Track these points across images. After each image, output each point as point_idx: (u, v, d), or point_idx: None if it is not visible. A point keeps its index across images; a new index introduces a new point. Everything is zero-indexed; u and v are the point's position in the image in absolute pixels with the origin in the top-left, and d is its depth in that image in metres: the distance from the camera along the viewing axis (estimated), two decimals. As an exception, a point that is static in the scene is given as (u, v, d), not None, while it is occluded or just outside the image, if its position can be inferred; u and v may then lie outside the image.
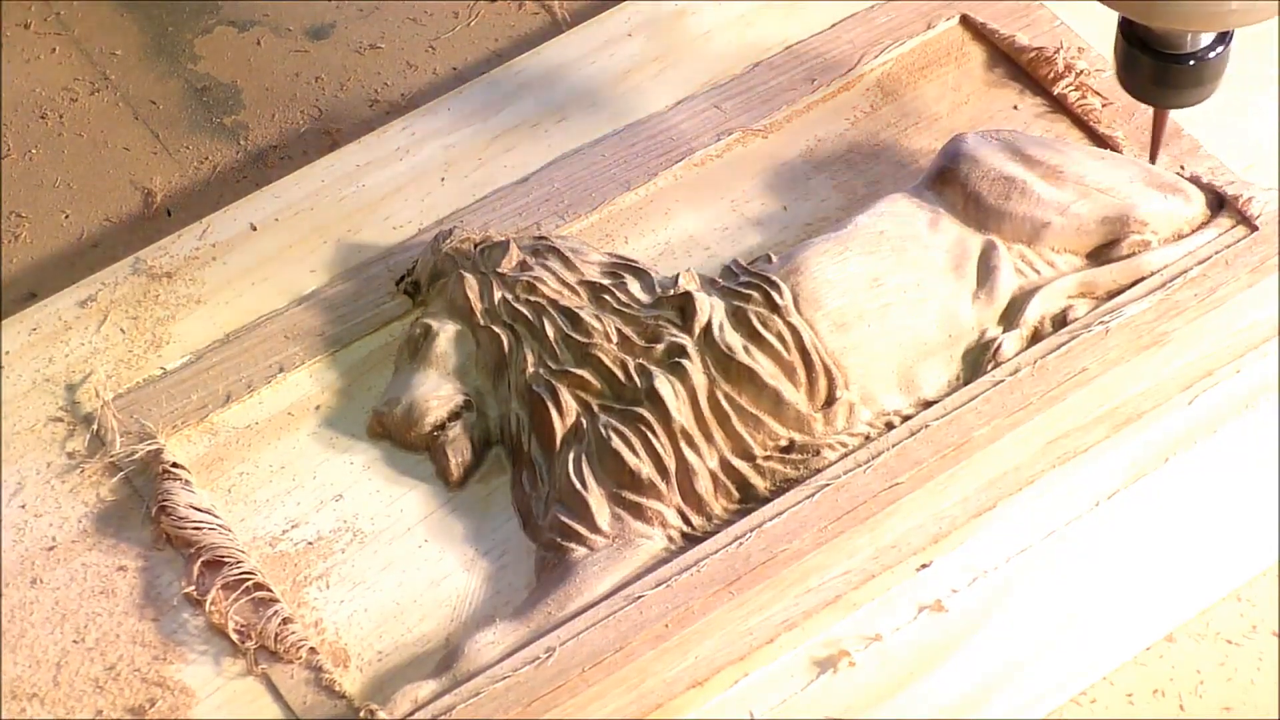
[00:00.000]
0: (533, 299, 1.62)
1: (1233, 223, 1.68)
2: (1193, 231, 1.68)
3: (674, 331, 1.59)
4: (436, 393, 1.60)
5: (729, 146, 1.78)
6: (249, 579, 1.53)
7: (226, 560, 1.54)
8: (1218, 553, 1.53)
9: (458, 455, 1.59)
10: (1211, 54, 1.57)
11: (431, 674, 1.49)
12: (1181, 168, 1.72)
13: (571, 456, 1.56)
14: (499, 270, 1.64)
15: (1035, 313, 1.63)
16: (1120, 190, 1.68)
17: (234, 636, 1.51)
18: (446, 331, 1.63)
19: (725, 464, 1.56)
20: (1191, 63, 1.57)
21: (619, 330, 1.60)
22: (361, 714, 1.46)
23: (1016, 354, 1.61)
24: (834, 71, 1.81)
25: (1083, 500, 1.55)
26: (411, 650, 1.51)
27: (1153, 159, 1.71)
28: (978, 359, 1.62)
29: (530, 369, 1.59)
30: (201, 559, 1.54)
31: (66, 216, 1.82)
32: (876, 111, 1.80)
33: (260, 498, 1.59)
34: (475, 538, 1.56)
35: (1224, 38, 1.57)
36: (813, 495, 1.54)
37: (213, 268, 1.72)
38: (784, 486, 1.55)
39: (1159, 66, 1.58)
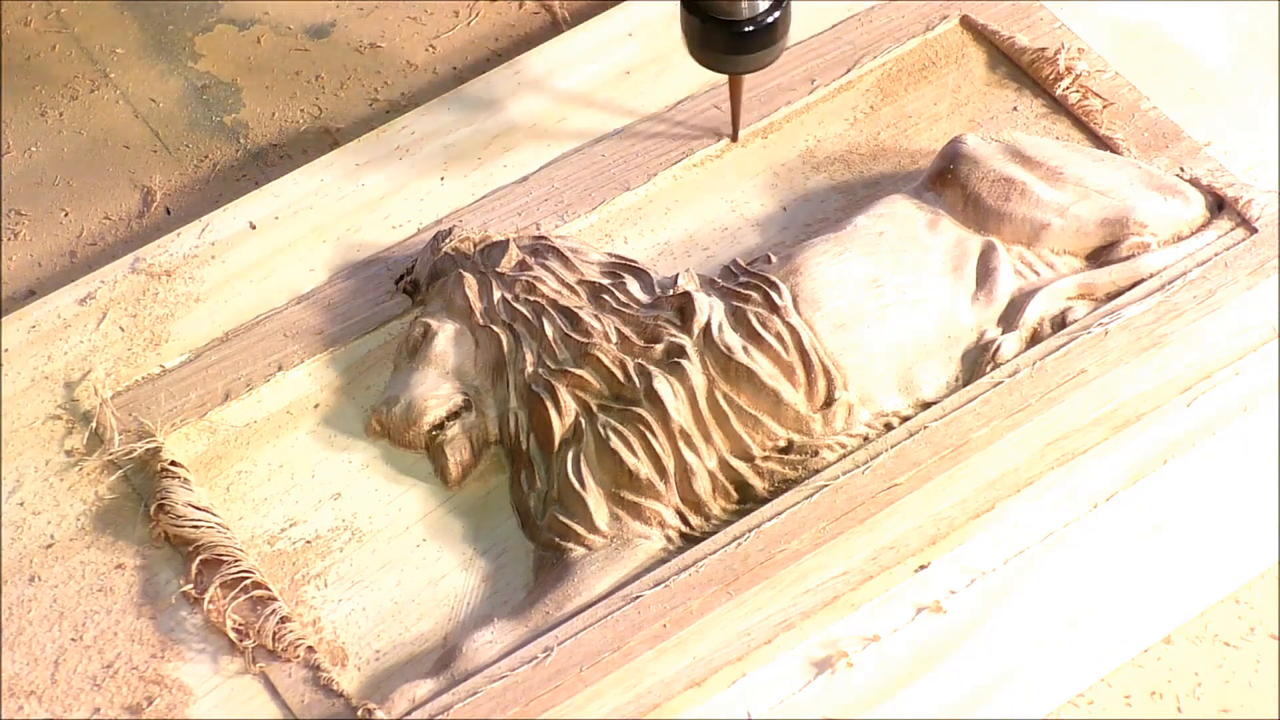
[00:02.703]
0: (532, 299, 1.62)
1: (1232, 225, 1.68)
2: (1192, 234, 1.68)
3: (673, 331, 1.59)
4: (435, 392, 1.60)
5: (729, 147, 1.78)
6: (247, 577, 1.53)
7: (225, 558, 1.54)
8: (1216, 555, 1.53)
9: (456, 455, 1.59)
10: (770, 18, 1.64)
11: (429, 673, 1.49)
12: (1181, 169, 1.72)
13: (570, 456, 1.56)
14: (498, 270, 1.64)
15: (1034, 314, 1.63)
16: (1120, 192, 1.68)
17: (232, 635, 1.51)
18: (445, 331, 1.63)
19: (724, 464, 1.56)
20: (752, 29, 1.65)
21: (618, 330, 1.60)
22: (359, 713, 1.46)
23: (1015, 355, 1.61)
24: (834, 72, 1.81)
25: (1081, 502, 1.55)
26: (409, 649, 1.51)
27: (735, 133, 1.76)
28: (977, 360, 1.62)
29: (529, 369, 1.59)
30: (200, 557, 1.54)
31: (66, 214, 1.82)
32: (876, 112, 1.80)
33: (259, 496, 1.59)
34: (473, 537, 1.56)
35: (779, 2, 1.65)
36: (811, 496, 1.54)
37: (212, 266, 1.72)
38: (782, 487, 1.55)
39: (729, 36, 1.66)
